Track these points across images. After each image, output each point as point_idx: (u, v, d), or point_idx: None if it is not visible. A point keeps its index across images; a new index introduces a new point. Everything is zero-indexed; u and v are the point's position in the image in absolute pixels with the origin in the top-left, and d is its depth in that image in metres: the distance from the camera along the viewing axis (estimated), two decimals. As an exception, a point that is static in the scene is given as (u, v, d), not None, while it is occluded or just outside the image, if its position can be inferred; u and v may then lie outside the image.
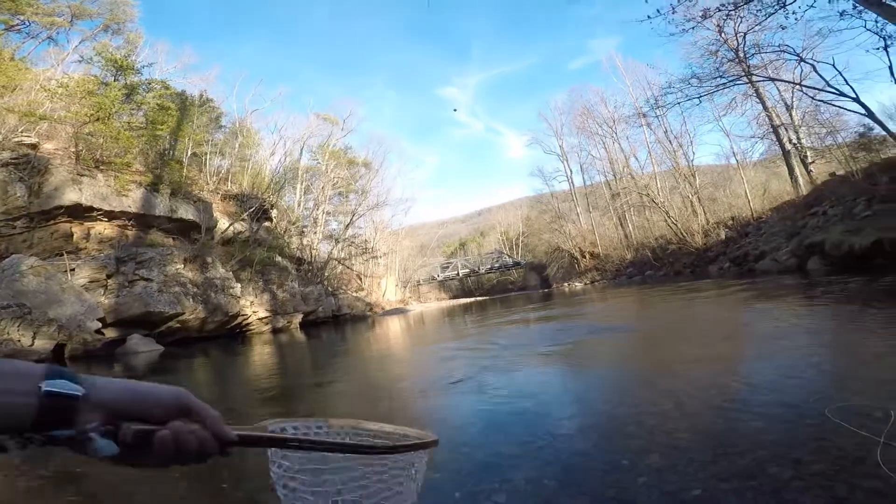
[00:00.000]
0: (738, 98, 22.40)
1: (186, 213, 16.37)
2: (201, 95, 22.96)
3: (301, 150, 32.45)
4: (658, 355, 4.49)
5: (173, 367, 8.43)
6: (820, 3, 12.80)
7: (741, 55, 15.76)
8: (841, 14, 10.86)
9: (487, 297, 39.33)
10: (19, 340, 8.93)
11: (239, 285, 15.66)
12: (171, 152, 19.06)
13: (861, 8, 10.14)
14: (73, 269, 11.54)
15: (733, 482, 1.58)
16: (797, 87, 15.24)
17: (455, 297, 51.05)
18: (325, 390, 4.83)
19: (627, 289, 18.92)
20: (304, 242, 26.98)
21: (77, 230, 13.06)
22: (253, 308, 16.33)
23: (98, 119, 13.71)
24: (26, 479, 2.52)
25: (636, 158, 36.82)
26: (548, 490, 1.79)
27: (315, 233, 30.42)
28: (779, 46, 13.66)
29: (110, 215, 13.87)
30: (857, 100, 11.00)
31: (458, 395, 3.73)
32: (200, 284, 14.17)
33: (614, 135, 37.00)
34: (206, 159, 21.83)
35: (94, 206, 13.16)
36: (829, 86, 11.70)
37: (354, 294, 28.24)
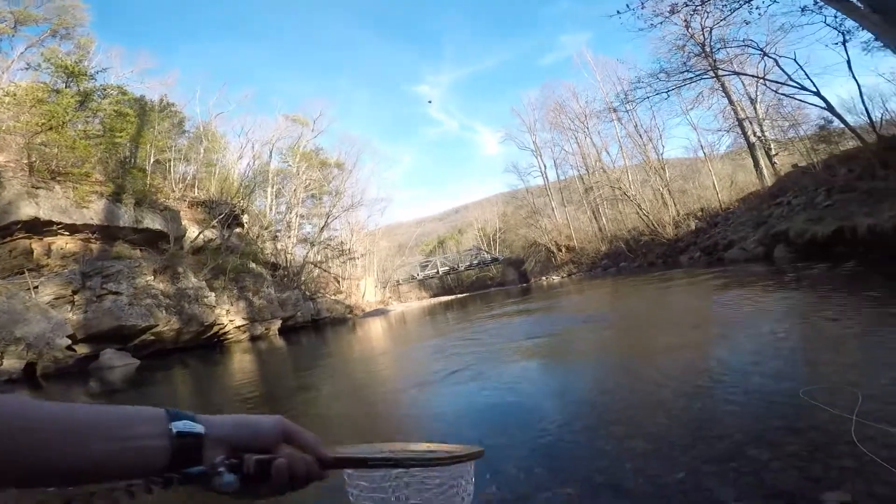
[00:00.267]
0: (704, 92, 23.04)
1: (153, 222, 15.83)
2: (161, 100, 22.21)
3: (270, 152, 31.71)
4: (635, 343, 4.60)
5: (151, 379, 8.21)
6: (783, -1, 13.30)
7: (707, 50, 16.22)
8: (802, 9, 11.30)
9: (468, 294, 39.50)
10: (-14, 361, 8.55)
11: (213, 294, 15.28)
12: (133, 160, 18.38)
13: (821, 3, 10.54)
14: (37, 287, 11.09)
15: (714, 464, 1.64)
16: (761, 81, 15.76)
17: (435, 295, 51.03)
18: (309, 395, 4.78)
19: (603, 280, 19.28)
20: (279, 247, 26.49)
21: (37, 246, 12.50)
22: (229, 317, 15.95)
23: (51, 128, 13.10)
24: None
25: (608, 153, 37.51)
26: (537, 478, 1.82)
27: (289, 237, 29.89)
28: (743, 41, 14.11)
29: (72, 229, 13.30)
30: (817, 93, 11.44)
31: (445, 391, 3.75)
32: (173, 295, 13.79)
33: (586, 130, 37.58)
34: (170, 166, 21.09)
35: (54, 219, 12.60)
36: (791, 80, 12.13)
37: (333, 297, 27.92)
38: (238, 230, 21.62)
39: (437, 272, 49.86)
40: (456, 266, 49.88)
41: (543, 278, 36.91)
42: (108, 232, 14.31)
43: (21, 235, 12.13)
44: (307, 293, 23.78)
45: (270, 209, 30.83)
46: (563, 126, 39.58)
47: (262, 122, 32.74)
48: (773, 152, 21.83)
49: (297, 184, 31.57)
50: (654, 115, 30.71)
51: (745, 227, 16.76)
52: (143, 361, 11.37)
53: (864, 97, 10.71)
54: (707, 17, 14.10)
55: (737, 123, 24.08)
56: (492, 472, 1.95)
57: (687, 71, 16.05)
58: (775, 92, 15.09)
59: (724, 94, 23.69)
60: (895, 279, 5.30)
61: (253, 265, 19.89)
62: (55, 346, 9.82)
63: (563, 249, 40.11)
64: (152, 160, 19.16)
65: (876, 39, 10.09)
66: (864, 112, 10.84)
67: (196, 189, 22.14)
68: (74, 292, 11.67)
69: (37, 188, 12.45)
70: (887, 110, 12.34)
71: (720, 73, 17.25)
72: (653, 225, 27.92)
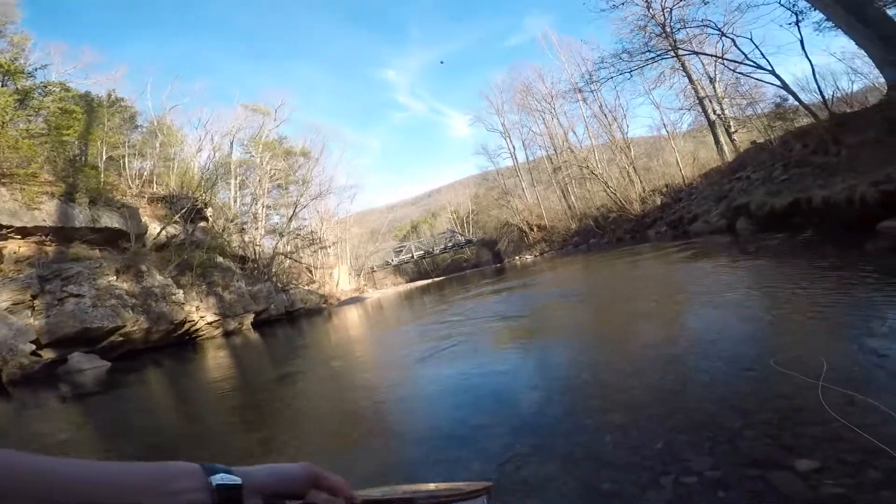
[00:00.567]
0: (666, 72, 23.50)
1: (111, 221, 15.10)
2: (110, 95, 21.20)
3: (231, 143, 30.71)
4: (609, 317, 4.73)
5: (124, 381, 7.96)
6: (739, -22, 13.60)
7: (668, 30, 16.48)
8: None
9: (444, 277, 39.61)
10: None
11: (181, 291, 14.84)
12: (84, 158, 17.55)
13: None
14: (-8, 294, 10.49)
15: (690, 434, 1.71)
16: (719, 60, 16.16)
17: (411, 280, 50.93)
18: (288, 388, 4.72)
19: (574, 258, 19.66)
20: (246, 239, 25.79)
21: (-13, 252, 11.84)
22: (199, 313, 15.53)
23: (-11, 128, 12.31)
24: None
25: (574, 133, 37.96)
26: (521, 455, 1.85)
27: (256, 228, 29.12)
28: (702, 21, 14.39)
29: (23, 232, 12.59)
30: (772, 72, 11.80)
31: (426, 374, 3.78)
32: (138, 294, 13.33)
33: (553, 110, 37.85)
34: (124, 162, 20.31)
35: (3, 223, 11.91)
36: (748, 59, 12.46)
37: (306, 287, 27.49)
38: (202, 224, 20.94)
39: (412, 257, 49.73)
40: (431, 250, 49.84)
41: (517, 258, 37.33)
42: (63, 233, 13.62)
43: (-33, 241, 11.43)
44: (279, 285, 23.34)
45: (235, 201, 30.00)
46: (531, 107, 39.79)
47: (221, 114, 31.61)
48: (733, 129, 22.54)
49: (262, 174, 30.72)
50: (619, 95, 31.17)
51: (707, 201, 17.34)
52: (114, 363, 11.04)
53: (817, 76, 11.12)
54: (666, -3, 14.30)
55: (697, 102, 24.69)
56: (476, 452, 1.98)
57: (648, 51, 16.28)
58: (733, 71, 15.50)
59: (684, 74, 24.20)
60: (847, 247, 5.61)
61: (220, 259, 19.34)
62: (19, 352, 9.40)
63: (535, 229, 40.59)
64: (105, 157, 18.36)
65: (827, 20, 10.45)
66: (817, 90, 11.26)
67: (155, 185, 21.41)
68: (34, 297, 11.13)
69: (-20, 192, 11.73)
70: (838, 88, 12.91)
71: (680, 52, 17.58)
72: (620, 202, 28.53)
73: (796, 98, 11.88)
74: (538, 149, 42.73)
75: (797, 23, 10.73)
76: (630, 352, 3.11)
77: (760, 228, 10.04)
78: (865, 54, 10.12)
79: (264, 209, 31.25)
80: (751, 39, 12.31)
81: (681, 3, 14.53)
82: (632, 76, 17.46)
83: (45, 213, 13.15)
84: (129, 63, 46.56)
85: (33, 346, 9.94)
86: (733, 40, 12.80)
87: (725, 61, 14.70)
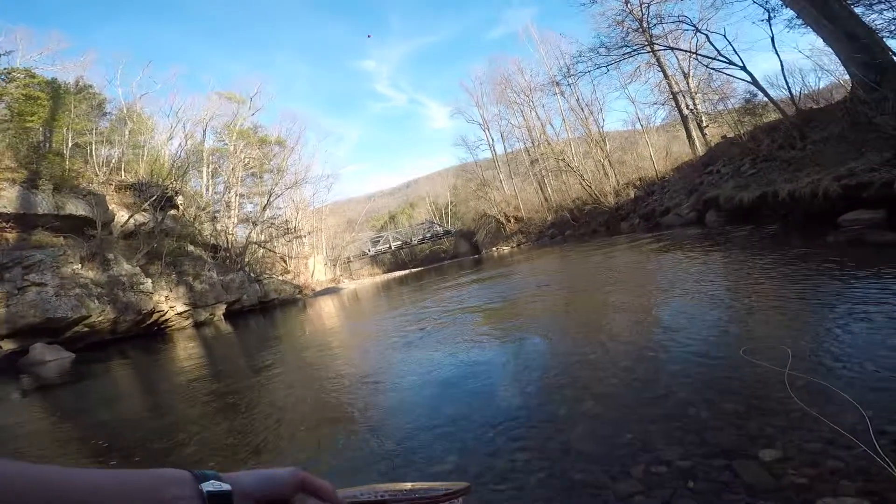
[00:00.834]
0: (641, 67, 23.74)
1: (76, 208, 14.53)
2: (77, 82, 20.60)
3: (204, 131, 29.82)
4: (582, 308, 4.78)
5: (89, 373, 7.71)
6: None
7: (645, 25, 16.64)
8: None
9: (422, 268, 39.53)
10: None
11: (150, 280, 14.41)
12: (48, 145, 17.08)
13: None
14: (-52, 282, 9.96)
15: (661, 424, 1.73)
16: (693, 56, 16.43)
17: (389, 270, 50.65)
18: (262, 380, 4.62)
19: (550, 249, 19.89)
20: (218, 228, 25.12)
21: (-57, 239, 11.23)
22: (169, 303, 15.11)
23: (-52, 114, 11.73)
24: None
25: (552, 126, 38.17)
26: (496, 446, 1.85)
27: (229, 217, 28.38)
28: (678, 17, 14.57)
29: (-19, 218, 12.04)
30: (743, 68, 12.05)
31: (401, 365, 3.74)
32: (105, 283, 12.89)
33: (531, 103, 37.93)
34: (91, 149, 19.62)
35: (-40, 210, 11.35)
36: (721, 55, 12.67)
37: (281, 278, 27.02)
38: (173, 212, 20.34)
39: (390, 247, 49.43)
40: (409, 240, 49.61)
41: (494, 249, 37.51)
42: (24, 220, 13.02)
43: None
44: (252, 275, 22.87)
45: (207, 189, 29.18)
46: (510, 100, 39.79)
47: (194, 102, 30.69)
48: (705, 124, 23.06)
49: (235, 163, 29.92)
50: (595, 89, 31.51)
51: (679, 194, 17.74)
52: (79, 354, 10.74)
53: (786, 72, 11.40)
54: (645, -8, 14.43)
55: (671, 97, 25.13)
56: (452, 442, 1.97)
57: (625, 46, 16.41)
58: (706, 67, 15.76)
59: (659, 69, 24.55)
60: (810, 239, 5.82)
61: (191, 248, 18.87)
62: (-24, 342, 8.96)
63: (512, 220, 40.83)
64: (70, 144, 17.81)
65: (797, 17, 10.72)
66: (786, 86, 11.57)
67: (123, 172, 20.77)
68: (-7, 285, 10.63)
69: (-63, 177, 11.11)
70: (805, 84, 13.25)
71: (656, 48, 17.77)
72: (595, 195, 28.93)
73: (765, 94, 12.18)
74: (516, 141, 42.90)
75: (769, 20, 10.96)
76: (603, 342, 3.14)
77: (729, 221, 10.33)
78: (832, 52, 10.44)
79: (237, 198, 30.53)
80: (724, 36, 12.52)
81: (658, -1, 14.71)
82: (608, 71, 17.58)
83: (6, 199, 12.63)
84: (100, 49, 44.76)
85: (-8, 337, 9.49)
86: (707, 36, 13.00)
87: (699, 57, 14.95)
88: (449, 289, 10.13)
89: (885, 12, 9.05)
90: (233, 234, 26.45)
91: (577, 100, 33.01)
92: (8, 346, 10.27)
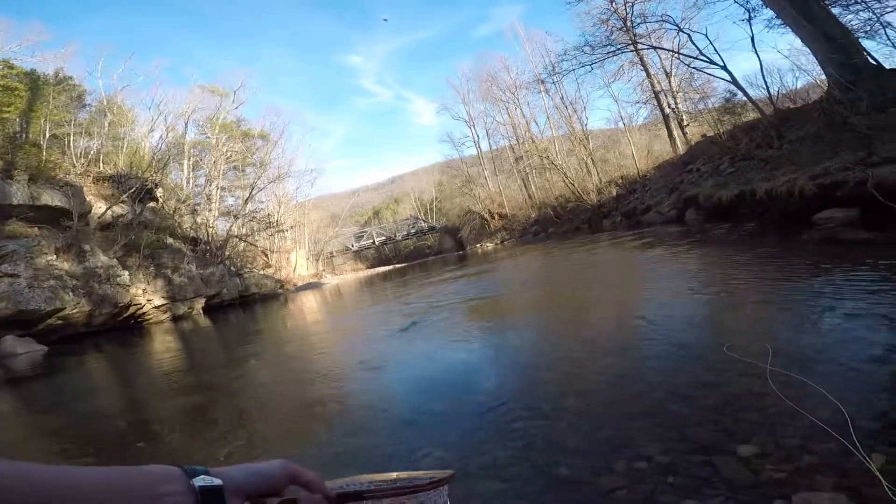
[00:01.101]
0: (625, 66, 24.05)
1: (52, 199, 14.18)
2: (57, 73, 20.29)
3: (186, 124, 29.31)
4: (566, 305, 4.80)
5: (61, 366, 7.51)
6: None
7: (629, 24, 16.81)
8: None
9: (406, 264, 39.42)
10: None
11: (127, 273, 14.08)
12: (25, 135, 16.86)
13: None
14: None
15: (642, 420, 1.73)
16: (675, 55, 16.65)
17: (372, 266, 50.29)
18: (238, 374, 4.52)
19: (534, 246, 20.01)
20: (199, 221, 24.65)
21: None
22: (146, 296, 14.78)
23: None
24: None
25: (536, 123, 38.36)
26: (480, 442, 1.84)
27: (210, 210, 27.88)
28: (661, 17, 14.76)
29: (-47, 208, 11.64)
30: (724, 68, 12.26)
31: (385, 360, 3.70)
32: (80, 275, 12.57)
33: (516, 101, 38.08)
34: (69, 141, 19.36)
35: (-68, 199, 10.94)
36: (702, 54, 12.87)
37: (262, 272, 26.62)
38: (152, 205, 19.95)
39: (374, 242, 49.07)
40: (393, 236, 49.36)
41: (478, 245, 37.59)
42: (-2, 211, 12.66)
43: None
44: (233, 269, 22.50)
45: (188, 182, 28.77)
46: (495, 97, 39.89)
47: (177, 95, 29.99)
48: (685, 123, 23.44)
49: (217, 156, 29.45)
50: (579, 87, 31.67)
51: (660, 192, 17.99)
52: (52, 347, 10.47)
53: (765, 72, 11.64)
54: (630, -9, 14.57)
55: (653, 96, 25.46)
56: (436, 438, 1.95)
57: (610, 45, 16.58)
58: (688, 66, 16.02)
59: (642, 68, 24.87)
60: (786, 237, 5.95)
61: (171, 240, 18.53)
62: (-56, 334, 8.64)
63: (496, 217, 40.96)
64: (48, 135, 17.60)
65: (777, 17, 10.94)
66: (764, 86, 11.80)
67: (101, 164, 20.41)
68: (-38, 276, 10.26)
69: None
70: (783, 84, 13.55)
71: (640, 47, 17.98)
72: (578, 192, 29.19)
73: (744, 93, 12.41)
74: (501, 138, 43.04)
75: (749, 19, 11.16)
76: (586, 338, 3.15)
77: (708, 219, 10.51)
78: (810, 52, 10.67)
79: (219, 191, 30.04)
80: (706, 35, 12.70)
81: (642, -2, 14.89)
82: (593, 69, 17.78)
83: (-21, 189, 12.24)
84: (83, 41, 43.60)
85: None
86: (689, 36, 13.18)
87: (681, 56, 15.16)
88: (433, 285, 10.10)
89: (860, 13, 9.29)
90: (213, 228, 25.99)
91: (562, 98, 33.22)
92: (-24, 338, 9.94)
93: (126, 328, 13.74)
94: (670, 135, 24.82)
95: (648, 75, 25.02)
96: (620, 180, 27.23)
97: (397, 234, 49.36)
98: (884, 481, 1.11)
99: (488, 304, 5.80)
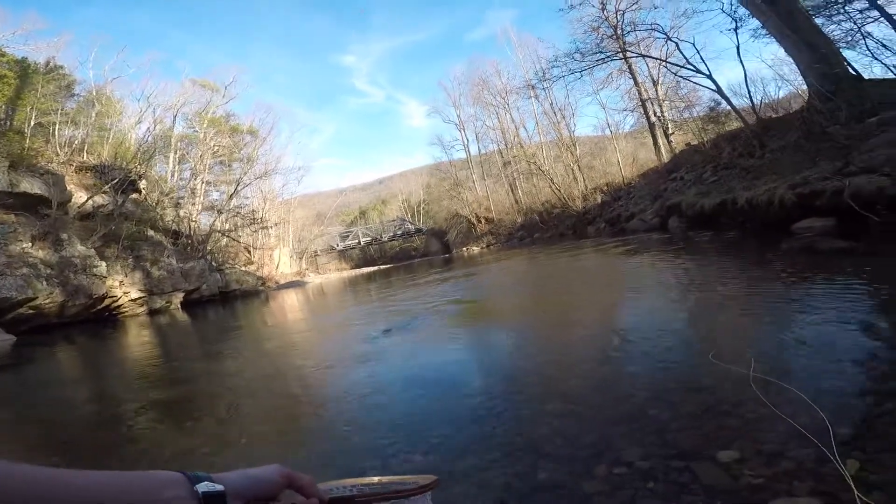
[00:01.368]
0: (614, 73, 24.39)
1: (31, 186, 13.90)
2: (48, 62, 20.18)
3: (174, 117, 29.03)
4: (549, 310, 4.80)
5: (30, 357, 7.31)
6: (689, -17, 14.29)
7: (619, 32, 17.05)
8: None
9: (391, 265, 39.26)
10: None
11: (104, 264, 13.81)
12: (9, 122, 16.84)
13: None
14: None
15: (622, 425, 1.72)
16: (663, 63, 16.94)
17: (357, 266, 50.01)
18: (214, 371, 4.40)
19: (519, 250, 20.10)
20: (181, 214, 24.24)
21: None
22: (123, 288, 14.50)
23: None
24: None
25: (525, 129, 38.68)
26: (461, 445, 1.82)
27: (194, 204, 27.46)
28: (651, 25, 15.01)
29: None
30: (709, 76, 12.51)
31: (365, 361, 3.64)
32: (55, 265, 12.29)
33: (506, 105, 38.34)
34: (54, 129, 19.20)
35: None
36: (689, 63, 13.12)
37: (244, 268, 26.26)
38: (134, 196, 19.67)
39: (359, 243, 48.82)
40: (379, 236, 49.15)
41: (465, 249, 37.68)
42: (-25, 196, 12.31)
43: None
44: (214, 264, 22.16)
45: (172, 175, 28.42)
46: (486, 101, 40.14)
47: (167, 88, 29.74)
48: (671, 131, 23.84)
49: (204, 150, 29.14)
50: (569, 93, 32.07)
51: (644, 200, 18.25)
52: (21, 337, 10.22)
53: (749, 81, 11.90)
54: (621, 0, 14.79)
55: (640, 104, 25.85)
56: (417, 440, 1.91)
57: (600, 52, 16.82)
58: (675, 74, 16.28)
59: (630, 76, 25.22)
60: (766, 245, 6.05)
61: (152, 233, 18.30)
62: None
63: (483, 221, 41.12)
64: (33, 123, 17.50)
65: (762, 27, 11.19)
66: (748, 95, 12.04)
67: (85, 154, 20.19)
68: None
69: None
70: (766, 94, 13.81)
71: (629, 55, 18.24)
72: (564, 198, 29.49)
73: (728, 102, 12.68)
74: (490, 142, 43.30)
75: (736, 29, 11.40)
76: (569, 343, 3.15)
77: (690, 227, 10.66)
78: (793, 62, 10.93)
79: (204, 185, 29.72)
80: (693, 44, 13.01)
81: (633, 7, 15.11)
82: (582, 76, 18.01)
83: (-43, 174, 11.95)
84: (77, 31, 42.87)
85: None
86: (677, 45, 13.43)
87: (669, 65, 15.42)
88: (418, 287, 10.06)
89: (843, 23, 9.53)
90: (196, 222, 25.61)
91: (551, 104, 33.59)
92: (-58, 326, 9.63)
93: (100, 320, 13.46)
94: (655, 143, 25.22)
95: (636, 83, 25.40)
96: (606, 187, 27.57)
97: (383, 235, 49.20)
98: (855, 490, 1.10)
99: (472, 307, 5.78)
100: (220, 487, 0.48)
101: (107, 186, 17.24)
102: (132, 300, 14.88)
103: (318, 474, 0.59)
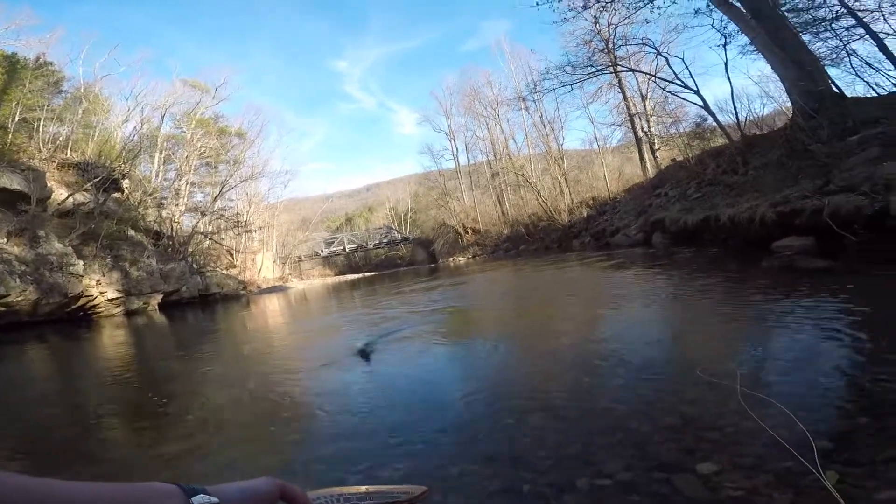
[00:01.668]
0: (603, 87, 24.82)
1: (10, 182, 13.63)
2: (38, 58, 20.00)
3: (162, 117, 28.73)
4: (533, 321, 4.80)
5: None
6: (681, 1, 14.70)
7: (610, 46, 17.38)
8: (696, 12, 12.63)
9: (376, 273, 39.04)
10: None
11: (81, 262, 13.52)
12: None
13: (713, 7, 11.84)
14: None
15: (605, 437, 1.71)
16: (652, 78, 17.27)
17: (341, 273, 49.58)
18: (190, 375, 4.28)
19: (504, 262, 20.15)
20: (164, 215, 23.83)
21: None
22: (100, 288, 14.17)
23: None
24: None
25: (514, 140, 39.05)
26: (445, 454, 1.79)
27: (177, 205, 27.04)
28: (642, 40, 15.34)
29: None
30: (696, 92, 12.76)
31: (345, 369, 3.58)
32: (30, 261, 12.03)
33: (497, 117, 38.70)
34: (39, 125, 18.89)
35: None
36: (678, 78, 13.39)
37: (225, 272, 25.86)
38: (116, 195, 19.31)
39: (344, 249, 48.51)
40: (364, 244, 48.91)
41: (451, 259, 37.66)
42: (-50, 190, 11.97)
43: None
44: (195, 266, 21.82)
45: (157, 175, 28.09)
46: (477, 112, 40.46)
47: (157, 87, 29.40)
48: (657, 147, 24.28)
49: (191, 150, 28.84)
50: (559, 106, 32.53)
51: (629, 215, 18.49)
52: None
53: (735, 97, 12.13)
54: (614, 14, 15.11)
55: (628, 119, 26.33)
56: (400, 451, 1.87)
57: (591, 65, 17.08)
58: (663, 90, 16.61)
59: (620, 90, 25.70)
60: (746, 263, 6.15)
61: (132, 233, 17.96)
62: None
63: (470, 231, 41.24)
64: (17, 118, 17.22)
65: (751, 43, 11.49)
66: (734, 111, 12.28)
67: (69, 151, 19.92)
68: None
69: None
70: (751, 111, 14.09)
71: (619, 69, 18.59)
72: (550, 211, 29.76)
73: (714, 118, 12.93)
74: (479, 153, 43.56)
75: (725, 45, 11.68)
76: (553, 354, 3.14)
77: (673, 243, 10.82)
78: (779, 79, 11.20)
79: (188, 186, 29.30)
80: (682, 59, 13.24)
81: (625, 21, 15.45)
82: (573, 89, 18.27)
83: (-69, 168, 11.65)
84: (69, 27, 42.43)
85: None
86: (667, 59, 13.71)
87: (657, 79, 15.72)
88: (403, 294, 10.01)
89: (829, 40, 9.79)
90: (178, 223, 25.20)
91: (541, 116, 33.98)
92: None
93: (75, 320, 13.13)
94: (641, 158, 25.66)
95: (625, 98, 25.89)
96: (591, 201, 27.91)
97: (369, 243, 48.98)
98: (840, 500, 1.10)
99: (457, 317, 5.75)
100: (215, 500, 0.47)
101: (89, 184, 16.93)
102: (109, 300, 14.55)
103: (295, 482, 0.58)
